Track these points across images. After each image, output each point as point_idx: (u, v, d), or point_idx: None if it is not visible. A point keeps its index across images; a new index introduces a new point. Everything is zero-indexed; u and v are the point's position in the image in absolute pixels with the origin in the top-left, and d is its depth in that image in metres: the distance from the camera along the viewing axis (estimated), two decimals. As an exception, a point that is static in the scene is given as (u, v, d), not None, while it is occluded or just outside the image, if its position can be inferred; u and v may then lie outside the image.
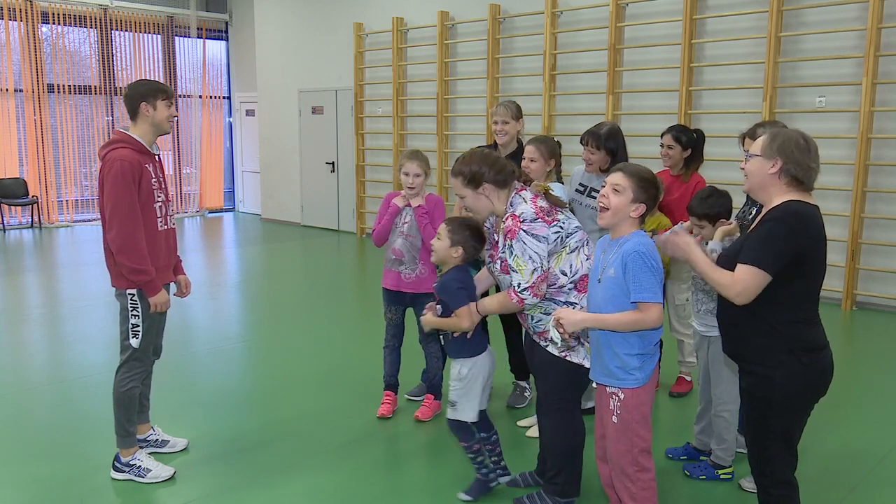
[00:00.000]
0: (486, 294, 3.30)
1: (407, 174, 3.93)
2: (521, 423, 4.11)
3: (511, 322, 4.14)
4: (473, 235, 3.14)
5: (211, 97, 13.42)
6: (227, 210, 14.00)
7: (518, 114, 4.18)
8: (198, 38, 13.15)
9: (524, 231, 2.82)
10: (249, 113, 13.55)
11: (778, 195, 2.47)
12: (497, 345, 4.52)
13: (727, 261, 2.55)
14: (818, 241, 2.44)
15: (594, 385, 2.84)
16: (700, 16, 7.40)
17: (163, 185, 3.42)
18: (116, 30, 12.22)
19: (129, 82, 3.53)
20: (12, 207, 11.55)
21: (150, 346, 3.43)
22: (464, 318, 3.04)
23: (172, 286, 3.60)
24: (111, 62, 12.20)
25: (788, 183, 2.45)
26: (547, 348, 2.96)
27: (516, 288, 2.84)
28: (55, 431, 4.01)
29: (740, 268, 2.41)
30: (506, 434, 4.04)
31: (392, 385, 4.26)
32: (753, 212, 3.39)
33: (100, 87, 12.16)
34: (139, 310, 3.33)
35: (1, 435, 3.96)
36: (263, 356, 5.50)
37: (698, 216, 3.35)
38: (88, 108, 12.20)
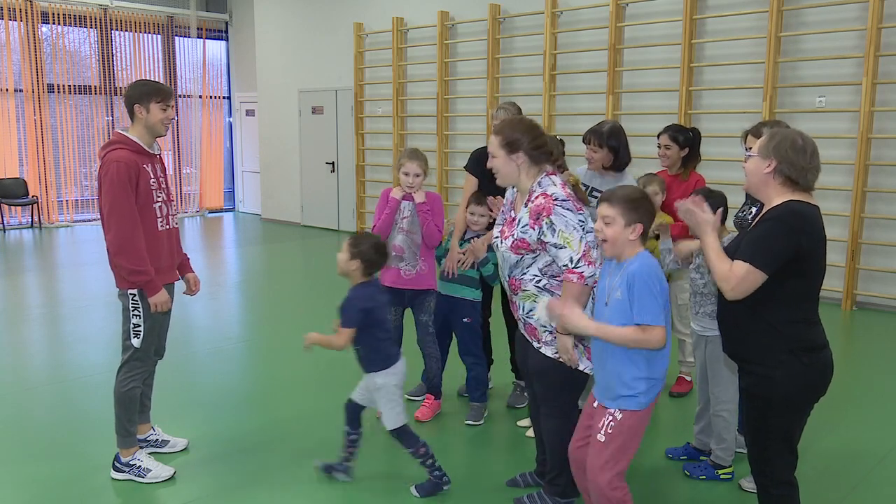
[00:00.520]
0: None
1: (407, 174, 3.93)
2: (521, 423, 4.11)
3: (513, 321, 4.14)
4: (374, 249, 3.24)
5: (211, 97, 13.42)
6: (227, 210, 14.00)
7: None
8: (198, 38, 13.15)
9: (559, 206, 2.79)
10: (249, 113, 13.55)
11: (776, 195, 2.47)
12: (498, 344, 4.54)
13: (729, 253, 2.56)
14: (818, 241, 2.44)
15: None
16: (700, 16, 7.40)
17: (163, 185, 3.41)
18: (116, 30, 12.22)
19: (130, 82, 3.53)
20: (12, 207, 11.55)
21: (151, 346, 3.43)
22: (339, 339, 3.19)
23: (179, 285, 3.60)
24: (111, 62, 12.20)
25: (783, 183, 2.46)
26: (540, 350, 2.95)
27: (570, 265, 2.77)
28: (55, 431, 4.01)
29: (737, 264, 2.41)
30: (506, 434, 4.04)
31: (392, 385, 4.26)
32: (753, 212, 3.39)
33: (100, 87, 12.16)
34: (140, 310, 3.33)
35: (1, 435, 3.96)
36: (263, 356, 5.50)
37: None
38: (88, 108, 12.20)
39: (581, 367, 2.89)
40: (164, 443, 3.73)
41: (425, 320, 4.12)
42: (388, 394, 3.26)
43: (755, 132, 3.43)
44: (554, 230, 2.79)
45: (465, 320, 4.10)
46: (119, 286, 3.35)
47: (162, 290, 3.34)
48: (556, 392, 3.00)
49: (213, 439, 3.90)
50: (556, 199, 2.81)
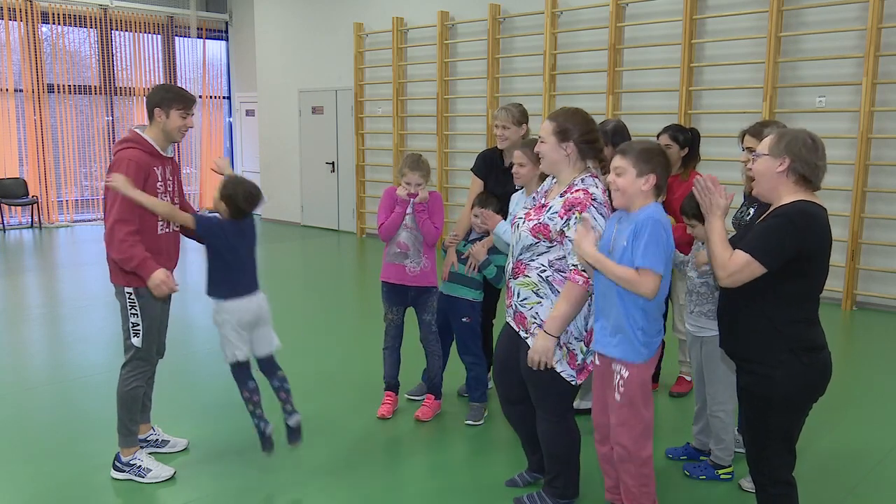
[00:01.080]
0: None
1: (409, 183, 3.93)
2: None
3: None
4: (244, 197, 3.32)
5: (211, 97, 13.43)
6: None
7: (521, 118, 4.06)
8: (198, 38, 13.16)
9: (595, 208, 2.79)
10: (249, 113, 13.55)
11: (787, 194, 2.48)
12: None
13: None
14: (823, 242, 2.45)
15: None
16: (700, 16, 7.40)
17: (170, 189, 3.41)
18: (116, 30, 12.22)
19: (155, 84, 3.55)
20: (12, 207, 11.55)
21: (153, 344, 3.42)
22: (185, 218, 3.36)
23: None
24: (111, 62, 12.21)
25: (796, 181, 2.47)
26: (527, 339, 2.92)
27: (579, 266, 2.76)
28: (55, 431, 4.01)
29: (737, 253, 2.43)
30: (506, 434, 4.04)
31: (392, 386, 4.26)
32: (751, 212, 3.39)
33: (100, 87, 12.16)
34: (137, 308, 3.32)
35: (1, 435, 3.96)
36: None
37: (689, 216, 3.35)
38: (88, 108, 12.20)
39: (558, 370, 2.86)
40: (165, 443, 3.73)
41: (428, 319, 4.12)
42: (226, 332, 3.39)
43: (753, 132, 3.42)
44: None
45: (463, 320, 4.10)
46: (113, 281, 3.34)
47: (159, 269, 3.20)
48: (550, 395, 2.97)
49: (213, 439, 3.90)
50: (594, 200, 2.80)
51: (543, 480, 3.20)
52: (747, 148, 3.39)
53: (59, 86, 11.77)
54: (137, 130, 3.34)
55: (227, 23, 13.58)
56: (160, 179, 3.33)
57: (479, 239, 4.03)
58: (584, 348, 2.89)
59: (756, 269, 2.39)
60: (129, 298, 3.32)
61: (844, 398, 4.44)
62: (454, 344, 4.27)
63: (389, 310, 4.16)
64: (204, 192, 13.39)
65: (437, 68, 9.57)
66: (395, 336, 4.19)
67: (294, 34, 11.69)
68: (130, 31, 12.37)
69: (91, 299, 6.96)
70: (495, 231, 3.64)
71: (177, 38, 12.93)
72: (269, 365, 3.58)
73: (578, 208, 2.77)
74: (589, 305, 2.85)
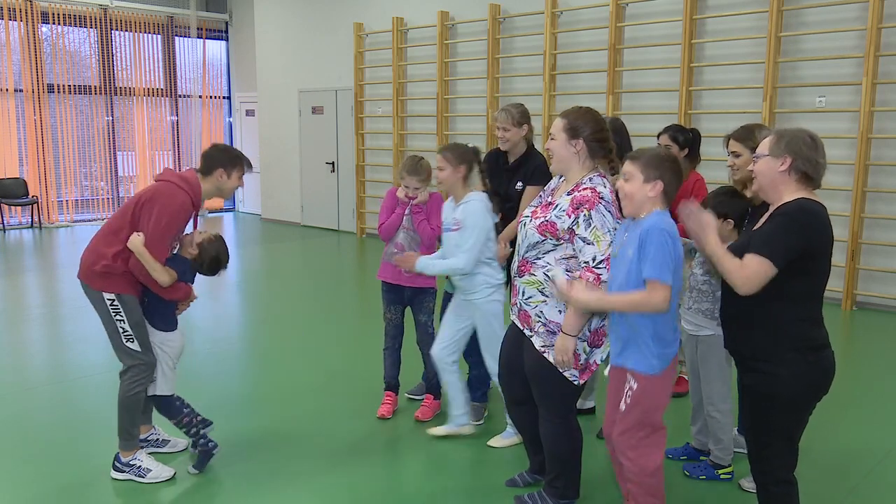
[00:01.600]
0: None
1: (407, 187, 3.93)
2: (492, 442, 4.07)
3: None
4: (209, 265, 3.43)
5: (211, 97, 13.43)
6: (227, 210, 14.01)
7: (521, 119, 4.03)
8: (198, 38, 13.16)
9: (604, 206, 2.77)
10: (249, 113, 13.55)
11: (788, 193, 2.49)
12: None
13: (734, 254, 2.56)
14: (826, 239, 2.47)
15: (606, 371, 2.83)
16: (700, 16, 7.40)
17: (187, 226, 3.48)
18: (116, 30, 12.23)
19: (214, 144, 3.60)
20: (12, 207, 11.55)
21: (149, 347, 3.41)
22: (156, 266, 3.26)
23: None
24: (111, 62, 12.21)
25: (798, 180, 2.48)
26: (531, 338, 2.93)
27: (591, 263, 2.74)
28: (55, 431, 4.01)
29: (748, 256, 2.42)
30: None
31: (392, 386, 4.26)
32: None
33: (100, 87, 12.16)
34: (123, 314, 3.31)
35: (1, 435, 3.96)
36: (263, 356, 5.50)
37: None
38: (88, 108, 12.20)
39: (566, 373, 2.86)
40: (165, 442, 3.73)
41: (425, 321, 4.12)
42: (161, 364, 3.41)
43: (738, 136, 3.39)
44: (589, 224, 2.76)
45: None
46: (94, 286, 3.29)
47: (180, 284, 3.38)
48: (553, 394, 2.97)
49: (212, 439, 3.90)
50: (602, 198, 2.79)
51: (544, 480, 3.20)
52: (732, 152, 3.39)
53: (59, 86, 11.77)
54: (197, 177, 3.39)
55: (227, 23, 13.58)
56: (189, 221, 3.42)
57: None
58: (588, 348, 2.88)
59: (769, 269, 2.38)
60: (111, 305, 3.30)
61: (844, 398, 4.43)
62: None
63: (388, 308, 4.17)
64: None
65: (437, 68, 9.58)
66: (394, 336, 4.19)
67: (294, 34, 11.69)
68: (130, 31, 12.37)
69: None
70: (417, 268, 3.60)
71: (177, 38, 12.93)
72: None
73: (587, 206, 2.77)
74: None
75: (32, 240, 10.72)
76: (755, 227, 2.59)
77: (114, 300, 3.29)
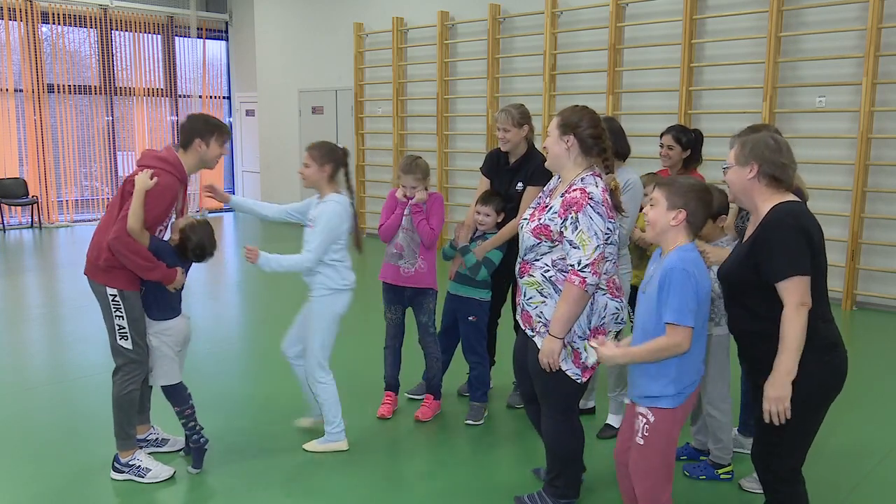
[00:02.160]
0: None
1: (405, 186, 3.94)
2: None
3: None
4: (195, 251, 3.39)
5: (211, 97, 13.43)
6: (227, 210, 14.00)
7: (521, 120, 4.02)
8: (198, 38, 13.16)
9: (591, 207, 2.75)
10: (249, 113, 13.55)
11: (762, 200, 2.50)
12: (502, 346, 4.53)
13: (729, 274, 2.57)
14: (819, 232, 2.47)
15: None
16: (700, 16, 7.40)
17: (178, 206, 3.45)
18: (116, 30, 12.22)
19: (190, 114, 3.60)
20: (12, 207, 11.54)
21: (143, 346, 3.40)
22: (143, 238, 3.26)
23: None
24: (111, 62, 12.21)
25: (768, 184, 2.49)
26: (534, 338, 2.93)
27: (576, 267, 2.73)
28: (55, 431, 4.01)
29: (781, 286, 2.39)
30: (506, 433, 4.04)
31: (392, 385, 4.26)
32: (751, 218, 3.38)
33: (100, 87, 12.16)
34: (123, 310, 3.31)
35: (1, 435, 3.96)
36: (263, 356, 5.50)
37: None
38: (88, 108, 12.20)
39: (563, 368, 2.86)
40: (164, 442, 3.73)
41: (425, 321, 4.12)
42: (162, 354, 3.41)
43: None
44: (576, 227, 2.75)
45: (470, 318, 4.10)
46: (97, 279, 3.31)
47: (172, 270, 3.33)
48: (555, 392, 2.97)
49: (212, 439, 3.88)
50: (591, 199, 2.77)
51: (545, 480, 3.20)
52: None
53: (59, 86, 11.76)
54: (177, 153, 3.38)
55: (227, 23, 13.57)
56: (177, 200, 3.39)
57: (483, 237, 4.04)
58: (588, 347, 2.88)
59: (805, 282, 2.38)
60: (112, 301, 3.31)
61: (844, 398, 4.39)
62: (460, 343, 4.28)
63: (388, 308, 4.18)
64: (203, 192, 13.38)
65: (437, 68, 9.57)
66: (395, 336, 4.19)
67: (294, 34, 11.69)
68: (130, 31, 12.37)
69: (91, 299, 6.89)
70: (259, 262, 3.63)
71: (177, 38, 12.93)
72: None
73: (574, 209, 2.76)
74: (591, 305, 2.84)
75: (32, 240, 10.72)
76: (744, 240, 2.58)
77: (115, 296, 3.30)
